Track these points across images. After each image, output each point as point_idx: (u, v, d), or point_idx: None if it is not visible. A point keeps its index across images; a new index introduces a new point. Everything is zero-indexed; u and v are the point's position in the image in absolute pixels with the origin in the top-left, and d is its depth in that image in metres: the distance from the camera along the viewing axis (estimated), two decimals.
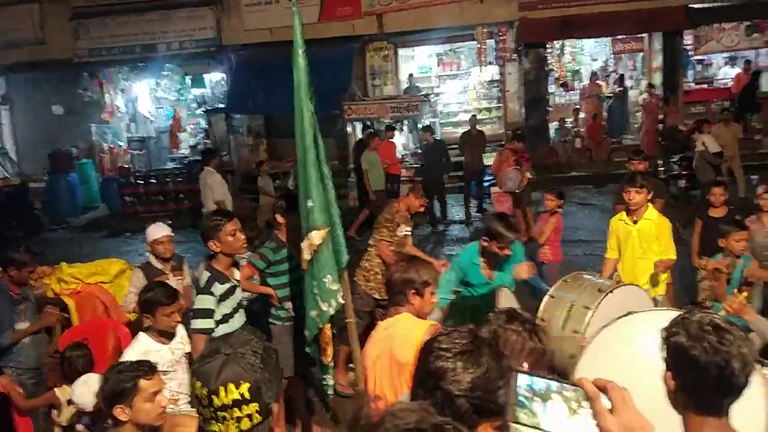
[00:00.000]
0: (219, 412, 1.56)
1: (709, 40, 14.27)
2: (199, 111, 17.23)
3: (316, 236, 4.07)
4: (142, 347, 3.46)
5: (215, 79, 16.83)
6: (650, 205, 5.09)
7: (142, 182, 14.45)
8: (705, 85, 16.34)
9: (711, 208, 6.13)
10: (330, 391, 4.57)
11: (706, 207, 6.24)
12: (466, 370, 1.45)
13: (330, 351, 4.37)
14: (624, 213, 5.18)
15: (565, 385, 1.03)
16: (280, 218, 5.01)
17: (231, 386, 1.56)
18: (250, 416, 1.58)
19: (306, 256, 4.17)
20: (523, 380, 1.05)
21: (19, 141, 17.10)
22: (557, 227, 6.68)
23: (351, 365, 5.96)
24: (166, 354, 3.56)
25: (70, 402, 3.96)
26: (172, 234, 5.17)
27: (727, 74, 16.66)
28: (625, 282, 4.82)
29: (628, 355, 2.18)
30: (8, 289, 4.51)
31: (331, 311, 4.15)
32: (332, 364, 4.50)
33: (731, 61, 16.72)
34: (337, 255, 4.22)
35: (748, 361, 1.62)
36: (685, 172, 11.44)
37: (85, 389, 3.67)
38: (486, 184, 12.42)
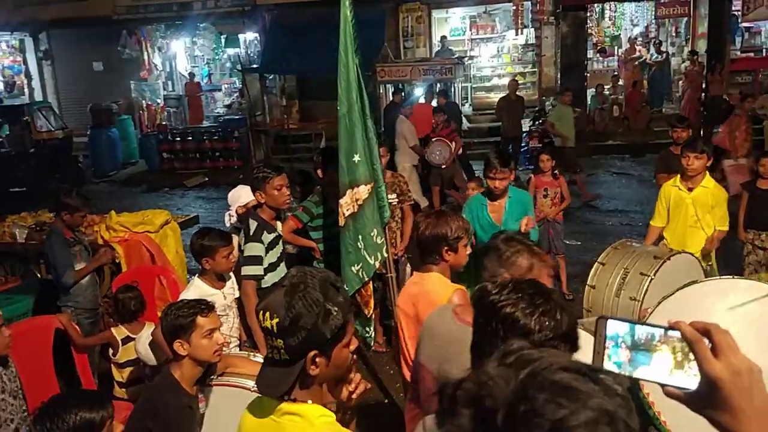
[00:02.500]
0: (263, 333, 1.68)
1: (759, 6, 13.73)
2: (233, 70, 17.35)
3: (364, 190, 4.16)
4: (197, 291, 3.59)
5: (249, 38, 16.88)
6: (707, 173, 4.83)
7: (179, 139, 14.71)
8: (752, 54, 15.84)
9: (759, 179, 5.86)
10: (372, 343, 4.70)
11: (754, 178, 6.01)
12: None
13: (372, 304, 4.49)
14: (678, 178, 4.92)
15: (669, 332, 0.94)
16: (320, 173, 5.08)
17: (267, 314, 1.63)
18: (278, 349, 1.64)
19: (347, 211, 4.25)
20: (615, 327, 0.95)
21: (61, 96, 17.49)
22: None
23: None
24: (218, 298, 3.69)
25: (124, 341, 4.19)
26: None
27: None
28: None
29: None
30: (63, 232, 4.70)
31: (376, 264, 4.26)
32: (373, 317, 4.63)
33: None
34: (380, 210, 4.30)
35: None
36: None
37: (145, 344, 3.87)
38: (522, 150, 12.37)
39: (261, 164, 4.26)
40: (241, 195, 4.86)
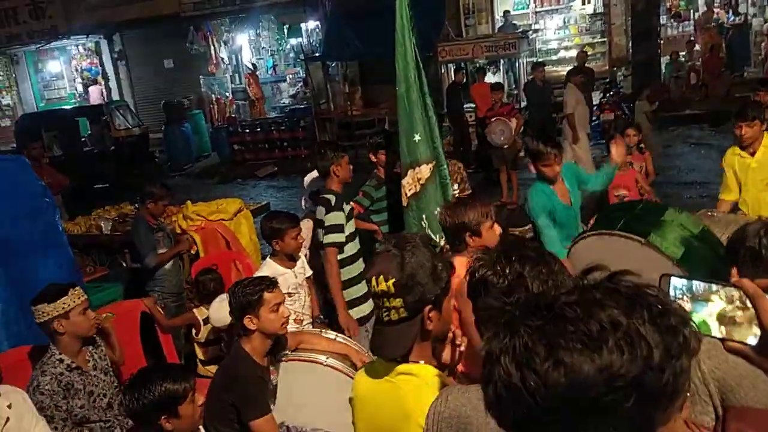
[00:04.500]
0: (375, 299, 1.73)
1: None
2: (296, 60, 17.59)
3: (425, 169, 4.17)
4: (270, 271, 3.72)
5: (311, 27, 17.07)
6: (766, 133, 4.68)
7: (248, 131, 15.10)
8: None
9: None
10: None
11: None
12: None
13: None
14: (738, 147, 4.80)
15: (726, 287, 0.98)
16: (380, 155, 5.10)
17: (381, 278, 1.69)
18: (396, 309, 1.69)
19: (409, 191, 4.26)
20: (678, 282, 1.00)
21: (136, 94, 18.31)
22: None
23: None
24: (290, 278, 3.83)
25: (206, 321, 4.38)
26: None
27: None
28: None
29: None
30: (146, 219, 5.01)
31: (441, 242, 4.26)
32: None
33: None
34: (443, 188, 4.30)
35: None
36: None
37: (219, 305, 4.05)
38: (593, 123, 11.98)
39: (320, 145, 4.43)
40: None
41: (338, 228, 4.09)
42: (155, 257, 4.89)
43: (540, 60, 13.40)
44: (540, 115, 10.86)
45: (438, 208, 4.22)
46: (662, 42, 14.68)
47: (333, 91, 15.54)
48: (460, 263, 2.95)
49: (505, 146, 9.39)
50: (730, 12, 15.29)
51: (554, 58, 15.64)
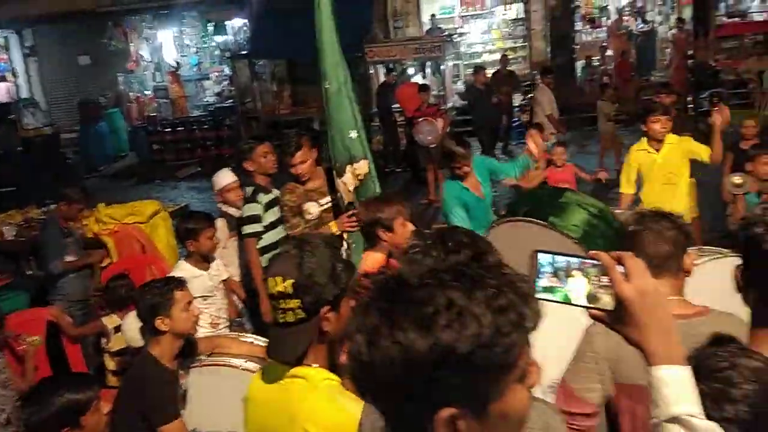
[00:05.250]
0: (272, 301, 1.71)
1: None
2: (222, 58, 17.19)
3: (364, 165, 4.17)
4: (183, 273, 3.59)
5: (237, 25, 16.73)
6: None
7: (169, 130, 14.62)
8: (737, 19, 15.80)
9: (743, 140, 5.98)
10: None
11: (738, 140, 6.08)
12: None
13: None
14: (644, 142, 5.02)
15: (585, 260, 1.05)
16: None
17: (278, 279, 1.67)
18: (293, 310, 1.67)
19: (351, 187, 4.20)
20: (544, 258, 1.07)
21: (48, 92, 17.36)
22: None
23: None
24: (205, 280, 3.75)
25: (117, 329, 4.20)
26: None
27: (761, 7, 16.07)
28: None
29: None
30: (58, 222, 4.75)
31: None
32: None
33: None
34: (372, 183, 4.31)
35: None
36: (715, 108, 11.12)
37: (132, 320, 3.88)
38: (514, 125, 12.36)
39: (247, 137, 4.55)
40: (223, 178, 4.89)
41: (253, 218, 4.25)
42: (61, 264, 4.64)
43: (478, 64, 13.60)
44: (486, 119, 11.07)
45: None
46: (578, 47, 15.30)
47: (261, 89, 15.27)
48: (373, 258, 3.02)
49: (432, 146, 9.53)
50: (639, 20, 16.13)
51: (478, 61, 15.92)
